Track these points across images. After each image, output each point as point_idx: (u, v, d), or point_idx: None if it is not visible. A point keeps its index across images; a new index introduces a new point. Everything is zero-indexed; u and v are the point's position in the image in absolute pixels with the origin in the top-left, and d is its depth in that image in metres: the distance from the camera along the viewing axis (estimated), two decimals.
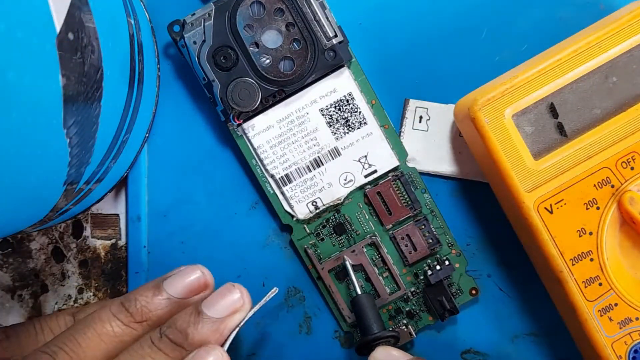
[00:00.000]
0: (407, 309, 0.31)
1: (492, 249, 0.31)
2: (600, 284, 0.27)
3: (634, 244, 0.27)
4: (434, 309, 0.30)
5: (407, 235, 0.30)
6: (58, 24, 0.18)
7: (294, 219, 0.30)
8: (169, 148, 0.31)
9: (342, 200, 0.30)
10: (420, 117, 0.30)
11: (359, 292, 0.29)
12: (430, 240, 0.30)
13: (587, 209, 0.27)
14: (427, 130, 0.30)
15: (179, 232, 0.31)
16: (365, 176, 0.30)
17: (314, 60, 0.29)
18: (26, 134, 0.18)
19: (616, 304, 0.27)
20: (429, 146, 0.30)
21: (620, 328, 0.27)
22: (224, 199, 0.31)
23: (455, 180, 0.31)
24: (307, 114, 0.29)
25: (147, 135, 0.30)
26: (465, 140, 0.30)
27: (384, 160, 0.30)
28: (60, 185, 0.24)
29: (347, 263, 0.30)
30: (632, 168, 0.27)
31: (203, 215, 0.31)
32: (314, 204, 0.30)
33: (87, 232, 0.31)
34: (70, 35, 0.19)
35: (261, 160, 0.30)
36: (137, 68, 0.26)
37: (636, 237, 0.27)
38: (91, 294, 0.31)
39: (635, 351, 0.27)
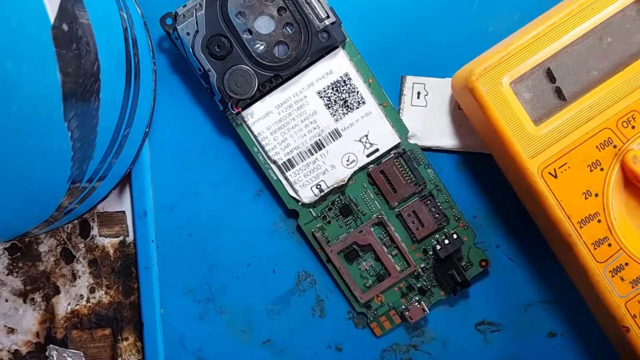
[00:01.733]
0: (418, 285, 0.31)
1: (499, 220, 0.31)
2: (609, 245, 0.27)
3: None
4: (446, 283, 0.30)
5: (414, 211, 0.30)
6: (52, 15, 0.18)
7: (300, 203, 0.30)
8: (170, 141, 0.31)
9: (346, 182, 0.30)
10: (418, 93, 0.30)
11: None
12: (437, 215, 0.30)
13: (591, 170, 0.27)
14: (425, 106, 0.30)
15: (186, 225, 0.31)
16: (368, 156, 0.30)
17: (307, 43, 0.29)
18: (28, 126, 0.19)
19: (627, 264, 0.27)
20: (428, 121, 0.30)
21: (633, 287, 0.27)
22: (229, 188, 0.31)
23: (457, 153, 0.31)
24: (305, 97, 0.29)
25: (147, 129, 0.30)
26: (465, 112, 0.30)
27: (385, 139, 0.30)
28: (65, 181, 0.24)
29: None
30: (633, 127, 0.27)
31: (209, 206, 0.31)
32: (318, 187, 0.30)
33: (95, 231, 0.31)
34: (65, 27, 0.19)
35: (262, 147, 0.30)
36: (133, 62, 0.26)
37: None
38: (103, 292, 0.31)
39: None
